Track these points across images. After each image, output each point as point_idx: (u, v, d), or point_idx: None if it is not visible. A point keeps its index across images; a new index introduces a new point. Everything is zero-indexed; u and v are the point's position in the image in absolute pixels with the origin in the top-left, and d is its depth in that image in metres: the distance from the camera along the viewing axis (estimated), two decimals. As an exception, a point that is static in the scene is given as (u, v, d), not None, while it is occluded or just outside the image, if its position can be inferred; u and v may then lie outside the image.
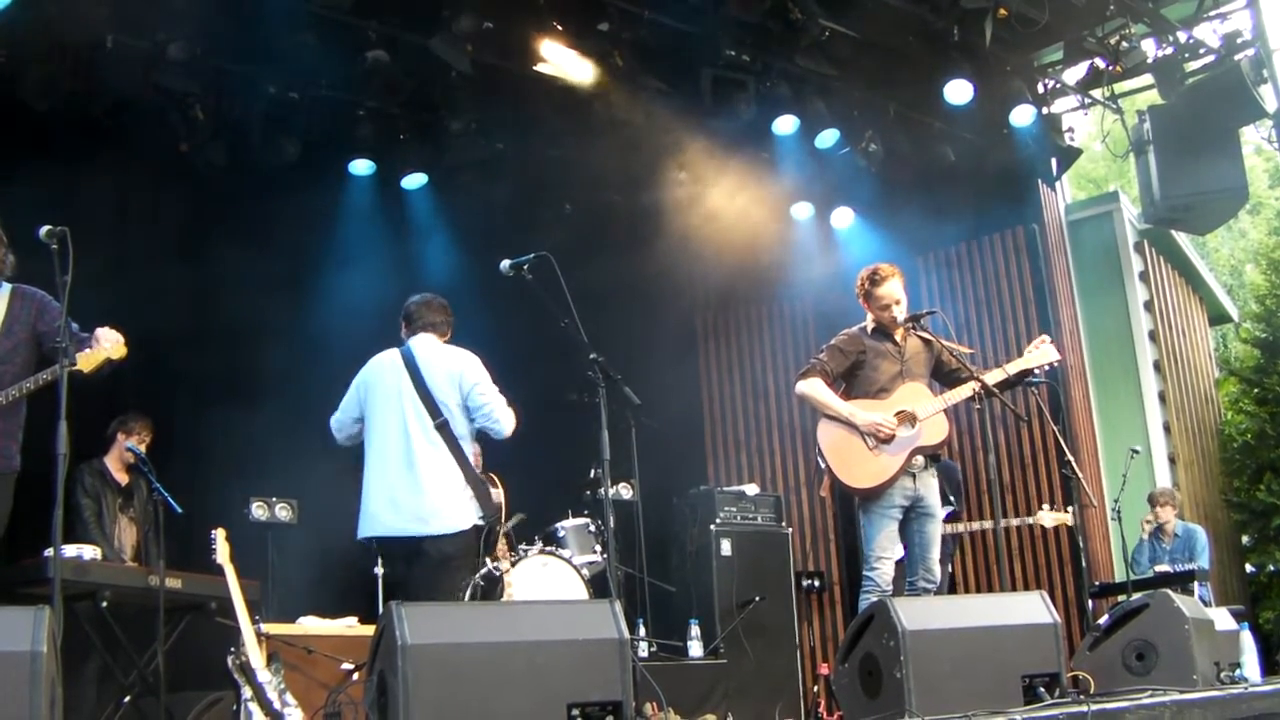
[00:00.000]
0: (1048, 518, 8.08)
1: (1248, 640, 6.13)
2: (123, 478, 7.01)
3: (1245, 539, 12.46)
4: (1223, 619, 5.92)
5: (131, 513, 6.97)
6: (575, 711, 3.61)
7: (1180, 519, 9.42)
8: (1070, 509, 8.23)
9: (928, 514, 5.80)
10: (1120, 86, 9.48)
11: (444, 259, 9.00)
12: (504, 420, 5.61)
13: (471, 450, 5.68)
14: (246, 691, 5.44)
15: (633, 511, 8.19)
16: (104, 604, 5.96)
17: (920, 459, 5.78)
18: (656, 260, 9.86)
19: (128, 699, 6.10)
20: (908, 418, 5.74)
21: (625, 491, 8.21)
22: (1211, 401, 12.97)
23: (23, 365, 4.88)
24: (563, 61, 7.97)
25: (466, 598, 6.99)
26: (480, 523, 5.46)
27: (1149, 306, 11.47)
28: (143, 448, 6.77)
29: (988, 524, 8.19)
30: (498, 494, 6.17)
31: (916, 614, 4.40)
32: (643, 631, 7.78)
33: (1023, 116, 8.92)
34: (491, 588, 7.00)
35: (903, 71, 8.71)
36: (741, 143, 9.09)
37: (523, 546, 7.37)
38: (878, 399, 5.82)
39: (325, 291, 8.35)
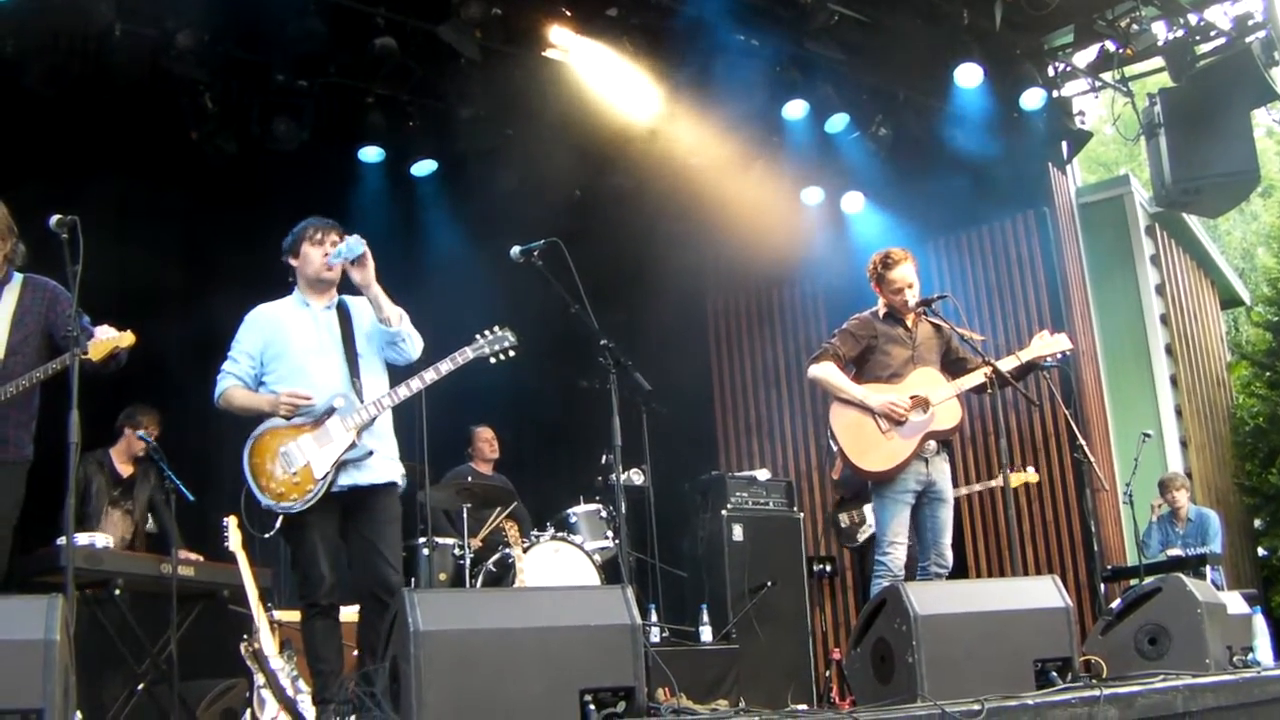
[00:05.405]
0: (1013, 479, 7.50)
1: (1260, 624, 6.13)
2: (126, 469, 6.96)
3: (1257, 523, 12.46)
4: (1235, 603, 5.91)
5: (127, 505, 6.90)
6: (587, 697, 3.60)
7: (1192, 503, 9.41)
8: (1030, 469, 8.31)
9: (940, 499, 5.80)
10: (1131, 69, 9.43)
11: (454, 245, 8.99)
12: None
13: None
14: (259, 679, 5.45)
15: (644, 497, 8.18)
16: (117, 592, 5.97)
17: (933, 444, 5.77)
18: (666, 246, 9.84)
19: (141, 686, 6.13)
20: (921, 402, 5.73)
21: (637, 477, 8.19)
22: (1223, 385, 12.95)
23: (34, 355, 4.86)
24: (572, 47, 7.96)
25: (480, 584, 7.04)
26: None
27: (1160, 290, 11.45)
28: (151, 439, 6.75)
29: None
30: None
31: (929, 599, 4.39)
32: (654, 617, 7.78)
33: (1033, 100, 8.90)
34: (504, 573, 7.01)
35: (912, 55, 8.66)
36: (751, 127, 9.06)
37: (535, 532, 7.38)
38: (890, 384, 5.80)
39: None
